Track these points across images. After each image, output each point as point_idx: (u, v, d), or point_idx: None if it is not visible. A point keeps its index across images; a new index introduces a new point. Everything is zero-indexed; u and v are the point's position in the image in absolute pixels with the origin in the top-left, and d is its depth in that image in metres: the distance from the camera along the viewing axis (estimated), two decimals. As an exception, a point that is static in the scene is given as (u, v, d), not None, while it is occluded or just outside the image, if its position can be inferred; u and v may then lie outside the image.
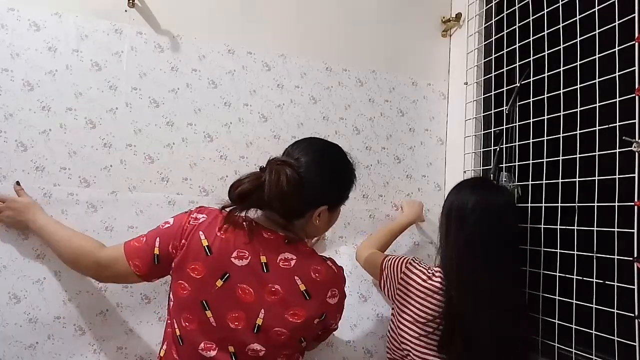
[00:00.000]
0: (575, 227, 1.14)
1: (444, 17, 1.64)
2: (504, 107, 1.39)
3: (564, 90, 1.20)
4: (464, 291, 1.07)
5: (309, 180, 0.94)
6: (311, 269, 0.96)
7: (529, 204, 1.28)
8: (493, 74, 1.47)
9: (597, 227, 1.09)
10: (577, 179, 1.15)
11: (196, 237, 0.94)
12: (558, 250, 1.18)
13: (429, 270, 1.15)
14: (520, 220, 1.23)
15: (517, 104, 1.37)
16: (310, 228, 1.01)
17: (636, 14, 1.02)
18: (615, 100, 1.06)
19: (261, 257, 0.94)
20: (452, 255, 1.11)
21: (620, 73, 1.06)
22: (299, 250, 0.98)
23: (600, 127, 1.11)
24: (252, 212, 1.00)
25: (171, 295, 0.97)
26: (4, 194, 1.14)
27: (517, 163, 1.34)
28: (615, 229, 1.04)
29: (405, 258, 1.20)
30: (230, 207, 0.95)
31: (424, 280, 1.13)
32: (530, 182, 1.28)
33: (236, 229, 0.96)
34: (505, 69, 1.40)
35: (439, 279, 1.12)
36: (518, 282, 1.19)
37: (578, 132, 1.15)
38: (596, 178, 1.10)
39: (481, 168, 1.49)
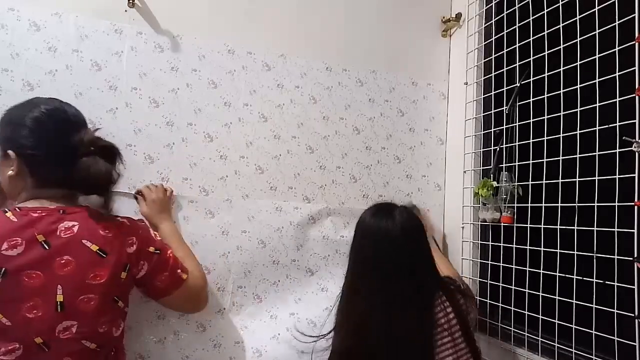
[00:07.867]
0: (575, 227, 1.14)
1: (444, 17, 1.63)
2: (504, 107, 1.39)
3: (564, 90, 1.20)
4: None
5: None
6: (99, 228, 0.94)
7: (529, 204, 1.28)
8: (493, 74, 1.47)
9: (597, 227, 1.09)
10: (577, 179, 1.15)
11: None
12: (558, 250, 1.18)
13: None
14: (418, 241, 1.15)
15: (517, 104, 1.37)
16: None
17: (636, 14, 1.02)
18: (615, 100, 1.06)
19: (37, 237, 0.88)
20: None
21: (620, 73, 1.06)
22: (82, 215, 0.94)
23: (600, 127, 1.11)
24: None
25: None
26: None
27: (517, 163, 1.34)
28: (615, 229, 1.05)
29: None
30: None
31: None
32: (530, 182, 1.28)
33: None
34: (505, 69, 1.40)
35: None
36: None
37: (578, 132, 1.15)
38: (596, 178, 1.10)
39: (481, 168, 1.49)
